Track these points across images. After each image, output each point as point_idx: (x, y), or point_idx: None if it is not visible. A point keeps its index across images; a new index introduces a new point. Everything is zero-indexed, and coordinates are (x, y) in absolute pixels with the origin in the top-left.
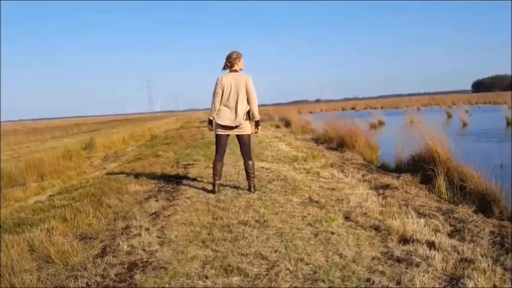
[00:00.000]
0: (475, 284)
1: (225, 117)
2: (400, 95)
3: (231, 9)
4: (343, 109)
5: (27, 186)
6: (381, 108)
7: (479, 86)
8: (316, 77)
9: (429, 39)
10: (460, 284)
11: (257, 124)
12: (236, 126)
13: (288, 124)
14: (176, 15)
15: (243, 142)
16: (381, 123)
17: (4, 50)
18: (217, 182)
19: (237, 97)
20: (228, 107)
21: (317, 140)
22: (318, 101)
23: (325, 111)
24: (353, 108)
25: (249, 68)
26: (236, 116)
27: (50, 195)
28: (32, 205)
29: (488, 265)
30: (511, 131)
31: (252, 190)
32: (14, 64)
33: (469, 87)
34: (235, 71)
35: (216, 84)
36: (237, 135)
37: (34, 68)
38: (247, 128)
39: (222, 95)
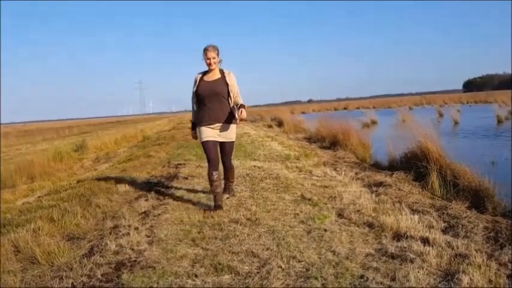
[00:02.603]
0: (470, 279)
1: None
2: (391, 95)
3: (223, 10)
4: (335, 109)
5: (17, 189)
6: (373, 108)
7: (470, 86)
8: (309, 78)
9: (421, 40)
10: (455, 280)
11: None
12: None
13: (280, 124)
14: (168, 16)
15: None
16: (373, 122)
17: None
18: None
19: None
20: None
21: (310, 139)
22: (310, 101)
23: (317, 111)
24: (345, 108)
25: (242, 68)
26: None
27: (39, 197)
28: (19, 206)
29: (483, 260)
30: (511, 128)
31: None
32: (3, 66)
33: (460, 86)
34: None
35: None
36: None
37: (24, 70)
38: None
39: None
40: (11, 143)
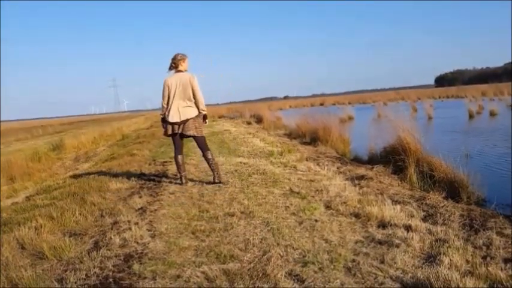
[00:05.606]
0: (450, 260)
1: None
2: (366, 91)
3: (197, 9)
4: (312, 105)
5: None
6: (349, 103)
7: (442, 81)
8: (284, 74)
9: (393, 38)
10: (437, 261)
11: (204, 117)
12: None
13: (259, 121)
14: (141, 15)
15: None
16: (350, 117)
17: None
18: (183, 174)
19: (183, 95)
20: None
21: (290, 135)
22: (286, 97)
23: (294, 107)
24: (322, 104)
25: (219, 66)
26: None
27: (27, 197)
28: (9, 206)
29: (461, 244)
30: None
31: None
32: None
33: (432, 81)
34: (180, 71)
35: (163, 85)
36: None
37: None
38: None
39: (169, 95)
40: None
